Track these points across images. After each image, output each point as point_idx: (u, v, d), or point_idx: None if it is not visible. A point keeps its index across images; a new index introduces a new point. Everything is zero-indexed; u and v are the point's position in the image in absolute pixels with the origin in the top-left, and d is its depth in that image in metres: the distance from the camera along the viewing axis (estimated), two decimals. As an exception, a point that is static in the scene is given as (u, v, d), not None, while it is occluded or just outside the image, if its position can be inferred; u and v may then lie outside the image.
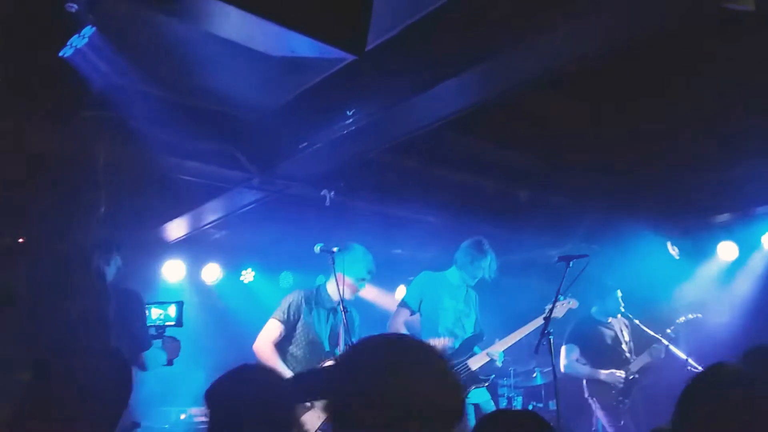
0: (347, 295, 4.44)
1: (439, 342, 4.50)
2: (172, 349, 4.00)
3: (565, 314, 4.74)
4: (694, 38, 3.39)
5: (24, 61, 3.06)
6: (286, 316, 4.38)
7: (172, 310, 4.14)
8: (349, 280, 4.43)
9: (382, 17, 3.14)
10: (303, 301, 4.44)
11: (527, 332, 4.74)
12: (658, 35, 3.12)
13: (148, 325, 3.96)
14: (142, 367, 3.76)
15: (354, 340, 4.24)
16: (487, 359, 4.66)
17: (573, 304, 4.84)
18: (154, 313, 4.11)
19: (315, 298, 4.49)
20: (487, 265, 4.82)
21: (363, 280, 4.51)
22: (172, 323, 4.10)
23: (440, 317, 4.78)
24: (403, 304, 4.91)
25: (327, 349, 4.43)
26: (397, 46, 3.35)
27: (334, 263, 4.35)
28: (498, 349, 4.69)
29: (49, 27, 2.96)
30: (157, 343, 3.96)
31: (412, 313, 4.87)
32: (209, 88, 3.90)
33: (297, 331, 4.39)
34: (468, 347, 4.70)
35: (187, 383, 4.59)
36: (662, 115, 4.51)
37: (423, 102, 3.60)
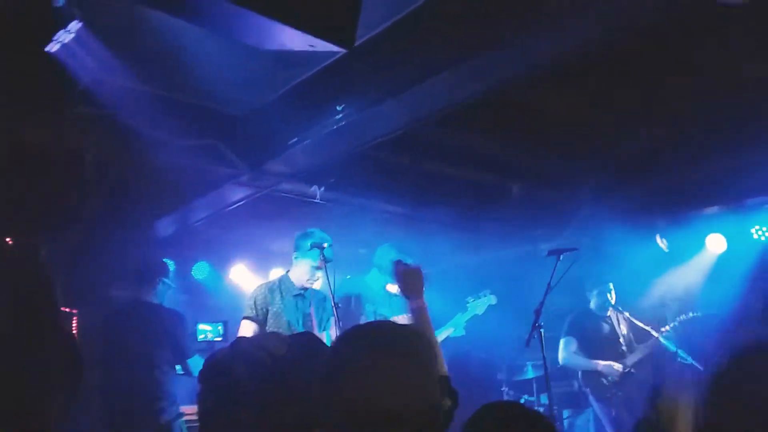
0: (308, 283, 4.42)
1: None
2: None
3: (546, 308, 4.61)
4: (685, 31, 3.39)
5: (8, 56, 3.00)
6: (254, 311, 4.32)
7: (219, 328, 5.38)
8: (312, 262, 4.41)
9: (372, 11, 3.11)
10: (267, 291, 4.39)
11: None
12: (649, 28, 3.12)
13: (200, 340, 5.21)
14: (189, 373, 4.61)
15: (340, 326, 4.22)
16: None
17: (493, 300, 5.17)
18: (202, 329, 5.33)
19: (279, 287, 4.45)
20: None
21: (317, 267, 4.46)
22: (220, 338, 5.25)
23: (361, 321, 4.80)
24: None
25: None
26: (388, 40, 3.33)
27: (324, 259, 4.33)
28: None
29: (35, 22, 2.91)
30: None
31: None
32: (198, 84, 3.86)
33: (269, 324, 4.33)
34: None
35: (183, 381, 4.71)
36: (651, 107, 4.51)
37: (414, 96, 3.57)
